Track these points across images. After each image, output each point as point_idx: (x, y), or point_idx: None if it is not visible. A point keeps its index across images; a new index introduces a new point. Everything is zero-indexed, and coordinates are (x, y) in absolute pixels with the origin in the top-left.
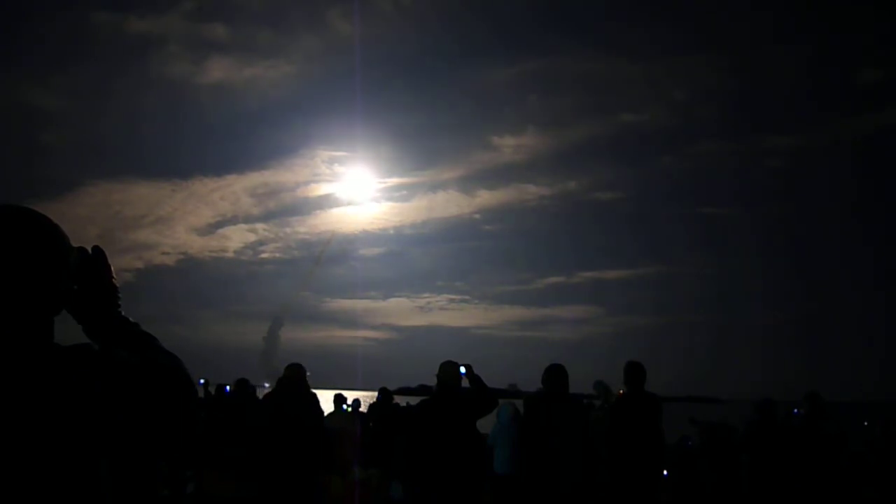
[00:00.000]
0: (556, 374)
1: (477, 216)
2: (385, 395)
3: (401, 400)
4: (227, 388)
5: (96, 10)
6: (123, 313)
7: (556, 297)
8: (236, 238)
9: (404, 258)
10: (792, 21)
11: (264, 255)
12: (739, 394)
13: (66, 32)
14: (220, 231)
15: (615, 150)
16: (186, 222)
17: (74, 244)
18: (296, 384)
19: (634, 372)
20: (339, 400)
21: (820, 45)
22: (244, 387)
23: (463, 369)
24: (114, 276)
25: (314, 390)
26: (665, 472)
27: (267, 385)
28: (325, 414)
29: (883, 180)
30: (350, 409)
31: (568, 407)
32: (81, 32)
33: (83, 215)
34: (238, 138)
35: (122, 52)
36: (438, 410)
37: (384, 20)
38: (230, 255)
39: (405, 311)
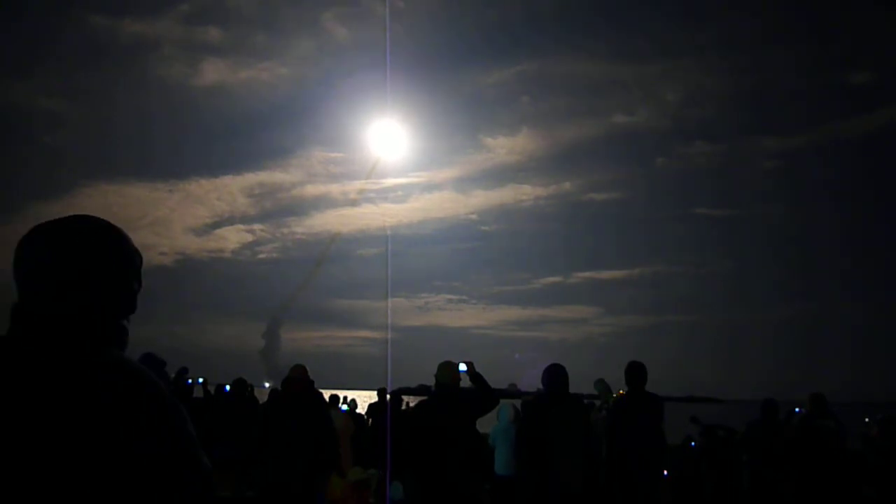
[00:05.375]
0: (555, 375)
1: (473, 216)
2: (382, 395)
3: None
4: (227, 387)
5: (93, 13)
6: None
7: (554, 298)
8: (233, 238)
9: (401, 259)
10: (786, 23)
11: (262, 256)
12: (739, 394)
13: (63, 35)
14: (217, 232)
15: (609, 151)
16: (183, 223)
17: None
18: (299, 384)
19: (636, 372)
20: (335, 400)
21: (814, 46)
22: (242, 386)
23: (464, 367)
24: None
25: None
26: (665, 472)
27: (267, 385)
28: None
29: (877, 181)
30: (348, 410)
31: (568, 407)
32: (78, 35)
33: None
34: (234, 139)
35: (118, 54)
36: (437, 410)
37: (380, 22)
38: (227, 255)
39: (403, 311)
